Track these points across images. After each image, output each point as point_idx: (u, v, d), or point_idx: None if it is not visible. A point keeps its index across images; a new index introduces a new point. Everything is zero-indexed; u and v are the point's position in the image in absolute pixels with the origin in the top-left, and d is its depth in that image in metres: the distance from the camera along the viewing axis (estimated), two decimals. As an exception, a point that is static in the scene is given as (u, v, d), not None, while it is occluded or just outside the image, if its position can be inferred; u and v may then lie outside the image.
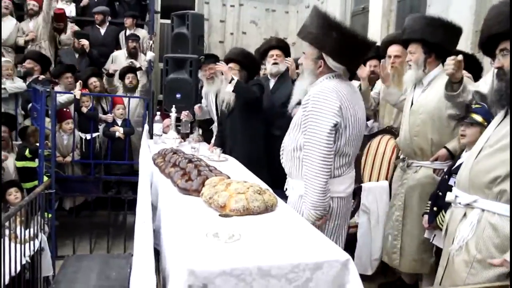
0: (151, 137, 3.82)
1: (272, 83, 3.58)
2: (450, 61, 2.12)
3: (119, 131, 4.57)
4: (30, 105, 4.48)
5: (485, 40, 1.76)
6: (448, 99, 2.32)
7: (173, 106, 3.76)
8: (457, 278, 1.67)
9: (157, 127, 3.70)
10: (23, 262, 3.01)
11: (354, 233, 2.89)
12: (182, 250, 1.40)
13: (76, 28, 5.68)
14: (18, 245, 2.98)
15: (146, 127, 4.00)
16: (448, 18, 2.53)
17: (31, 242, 3.23)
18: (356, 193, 2.85)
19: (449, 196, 1.81)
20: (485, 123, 2.16)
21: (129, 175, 4.62)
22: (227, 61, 3.42)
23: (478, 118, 2.25)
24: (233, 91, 3.14)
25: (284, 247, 1.44)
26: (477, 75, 2.69)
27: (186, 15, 4.91)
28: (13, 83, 4.50)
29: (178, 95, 4.58)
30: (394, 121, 3.16)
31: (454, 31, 2.49)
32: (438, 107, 2.48)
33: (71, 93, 4.40)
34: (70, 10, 5.99)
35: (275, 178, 2.48)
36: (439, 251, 2.22)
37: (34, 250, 3.23)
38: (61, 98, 4.34)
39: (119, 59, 5.33)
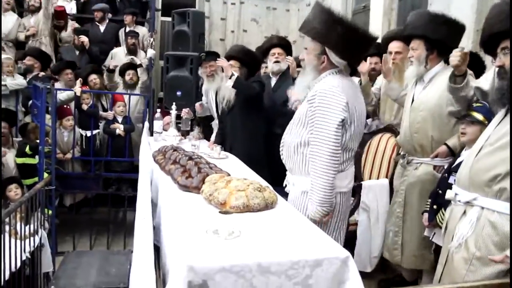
0: (152, 134, 3.83)
1: (273, 81, 3.58)
2: (456, 52, 2.11)
3: (119, 128, 4.57)
4: (31, 102, 4.49)
5: (486, 39, 1.76)
6: (452, 92, 2.30)
7: (174, 103, 3.76)
8: (456, 275, 1.67)
9: (158, 125, 3.70)
10: (23, 258, 3.02)
11: (354, 231, 2.90)
12: (182, 247, 1.40)
13: (77, 25, 5.69)
14: (18, 241, 2.99)
15: (147, 124, 4.01)
16: (449, 16, 2.53)
17: (31, 238, 3.24)
18: (356, 191, 2.85)
19: (449, 194, 1.81)
20: (486, 122, 2.16)
21: (129, 172, 4.62)
22: (228, 58, 3.42)
23: (479, 116, 2.25)
24: (233, 86, 3.14)
25: (284, 244, 1.44)
26: (479, 73, 2.69)
27: (187, 13, 4.91)
28: (13, 80, 4.50)
29: (178, 93, 4.58)
30: (395, 117, 3.16)
31: (457, 28, 2.47)
32: (438, 104, 2.47)
33: (72, 90, 4.40)
34: (71, 7, 5.99)
35: (275, 175, 2.48)
36: (438, 249, 2.22)
37: (34, 246, 3.24)
38: (61, 96, 4.35)
39: (118, 56, 5.33)
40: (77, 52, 5.41)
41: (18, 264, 2.90)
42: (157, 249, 1.86)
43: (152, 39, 5.28)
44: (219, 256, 1.33)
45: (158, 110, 3.91)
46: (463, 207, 1.71)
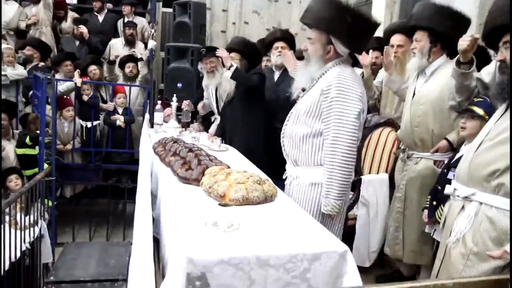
0: (152, 126, 3.82)
1: (276, 75, 3.56)
2: (467, 37, 2.07)
3: (119, 120, 4.57)
4: (31, 92, 4.48)
5: (489, 32, 1.74)
6: (458, 79, 2.25)
7: (174, 95, 3.75)
8: (453, 271, 1.67)
9: (158, 116, 3.70)
10: (23, 248, 3.03)
11: (352, 225, 2.90)
12: (181, 239, 1.40)
13: (76, 16, 5.66)
14: (18, 232, 3.00)
15: (147, 116, 4.00)
16: (452, 10, 2.50)
17: (31, 229, 3.25)
18: (356, 185, 2.85)
19: (448, 189, 1.81)
20: (486, 117, 2.15)
21: (129, 164, 4.62)
22: (229, 50, 3.40)
23: (479, 111, 2.24)
24: (231, 77, 3.13)
25: (283, 237, 1.45)
26: (480, 67, 2.67)
27: (188, 4, 4.87)
28: (14, 70, 4.49)
29: (179, 84, 4.57)
30: (395, 110, 3.16)
31: (462, 21, 2.44)
32: (440, 97, 2.46)
33: (72, 81, 4.39)
34: (71, -3, 5.98)
35: (275, 168, 2.47)
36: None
37: (34, 237, 3.25)
38: (61, 87, 4.34)
39: (116, 47, 5.30)
40: (77, 43, 5.39)
41: (18, 255, 2.91)
42: (156, 241, 1.87)
43: (153, 30, 5.24)
44: (218, 248, 1.33)
45: (159, 102, 3.90)
46: (462, 202, 1.71)
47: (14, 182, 3.67)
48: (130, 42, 5.25)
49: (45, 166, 3.89)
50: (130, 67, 4.82)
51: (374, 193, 2.91)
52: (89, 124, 4.57)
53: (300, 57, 3.08)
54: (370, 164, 3.19)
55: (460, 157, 1.94)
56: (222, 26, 7.13)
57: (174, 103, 3.66)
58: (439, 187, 2.27)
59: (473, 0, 3.40)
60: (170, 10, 5.53)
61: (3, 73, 4.29)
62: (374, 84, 3.18)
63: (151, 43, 5.05)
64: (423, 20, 2.45)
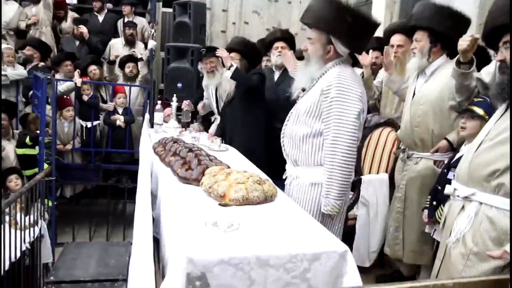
0: (152, 126, 3.82)
1: (277, 75, 3.56)
2: (467, 37, 2.07)
3: (119, 120, 4.57)
4: (31, 92, 4.47)
5: (489, 32, 1.74)
6: (458, 79, 2.25)
7: (174, 95, 3.74)
8: (453, 270, 1.67)
9: (158, 116, 3.70)
10: (23, 248, 3.03)
11: (352, 225, 2.90)
12: (181, 239, 1.40)
13: (76, 15, 5.66)
14: (18, 232, 3.00)
15: (147, 116, 4.00)
16: (452, 10, 2.49)
17: (31, 229, 3.24)
18: (356, 185, 2.85)
19: (448, 189, 1.81)
20: (486, 117, 2.15)
21: (129, 164, 4.62)
22: (229, 50, 3.40)
23: (479, 111, 2.24)
24: (231, 77, 3.13)
25: (283, 237, 1.45)
26: (481, 66, 2.67)
27: (188, 4, 4.87)
28: (14, 70, 4.49)
29: (179, 84, 4.57)
30: (395, 110, 3.15)
31: (462, 22, 2.44)
32: (440, 97, 2.46)
33: (72, 81, 4.39)
34: (72, -3, 5.98)
35: (274, 169, 2.47)
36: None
37: (34, 237, 3.25)
38: (61, 87, 4.33)
39: (116, 47, 5.29)
40: (77, 43, 5.39)
41: (18, 255, 2.91)
42: (156, 241, 1.87)
43: (153, 30, 5.24)
44: (218, 248, 1.33)
45: (159, 102, 3.90)
46: (462, 202, 1.71)
47: (14, 182, 3.67)
48: (130, 42, 5.25)
49: (45, 166, 3.89)
50: (130, 67, 4.82)
51: (374, 193, 2.91)
52: (89, 124, 4.56)
53: (300, 57, 3.08)
54: (370, 164, 3.19)
55: (460, 157, 1.94)
56: (222, 26, 7.13)
57: (174, 103, 3.66)
58: (439, 187, 2.27)
59: (473, 0, 3.40)
60: (170, 10, 5.53)
61: (3, 73, 4.29)
62: (374, 84, 3.18)
63: (151, 43, 5.04)
64: (423, 20, 2.45)
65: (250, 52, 3.47)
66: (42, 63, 4.85)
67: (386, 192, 2.91)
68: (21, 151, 4.06)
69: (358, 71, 3.03)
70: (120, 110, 4.66)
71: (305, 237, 1.47)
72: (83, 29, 5.20)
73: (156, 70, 5.82)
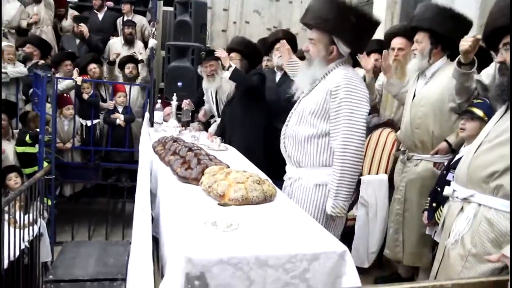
0: (152, 125, 3.82)
1: (278, 76, 3.55)
2: (469, 37, 2.07)
3: (119, 118, 4.56)
4: (31, 90, 4.47)
5: (489, 34, 1.74)
6: (459, 79, 2.24)
7: (174, 94, 3.74)
8: (452, 272, 1.67)
9: (158, 115, 3.70)
10: (22, 247, 3.02)
11: (352, 226, 2.90)
12: (180, 238, 1.40)
13: (76, 13, 5.65)
14: (17, 230, 2.99)
15: (147, 114, 4.00)
16: (453, 11, 2.49)
17: (30, 228, 3.23)
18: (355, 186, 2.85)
19: (447, 190, 1.81)
20: (486, 118, 2.15)
21: (129, 163, 4.62)
22: (229, 50, 3.40)
23: (479, 112, 2.24)
24: (230, 78, 3.13)
25: (282, 237, 1.45)
26: (482, 67, 2.67)
27: (189, 3, 4.88)
28: (14, 67, 4.48)
29: (179, 83, 4.57)
30: (395, 113, 3.16)
31: (464, 24, 2.44)
32: (440, 99, 2.46)
33: (71, 79, 4.38)
34: (73, -5, 5.98)
35: (274, 169, 2.46)
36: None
37: (33, 236, 3.24)
38: (60, 86, 4.32)
39: (115, 46, 5.29)
40: (77, 41, 5.38)
41: (17, 253, 2.90)
42: (155, 241, 1.86)
43: (153, 29, 5.24)
44: (217, 248, 1.33)
45: (159, 101, 3.89)
46: (461, 203, 1.71)
47: (13, 180, 3.66)
48: (129, 41, 5.24)
49: (45, 164, 3.88)
50: (130, 68, 4.81)
51: (373, 194, 2.91)
52: (89, 123, 4.56)
53: (301, 57, 3.08)
54: (369, 164, 3.19)
55: (460, 158, 1.94)
56: (223, 25, 7.13)
57: (174, 102, 3.66)
58: (439, 189, 2.27)
59: (475, 1, 3.40)
60: (171, 8, 5.54)
61: (3, 70, 4.28)
62: (375, 88, 3.18)
63: (152, 42, 5.04)
64: (424, 21, 2.45)
65: (251, 52, 3.47)
66: (42, 61, 4.85)
67: (386, 193, 2.91)
68: (20, 149, 4.05)
69: (359, 71, 3.02)
70: (120, 109, 4.65)
71: (304, 237, 1.47)
72: (84, 28, 5.19)
73: (156, 69, 5.82)
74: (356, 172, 1.93)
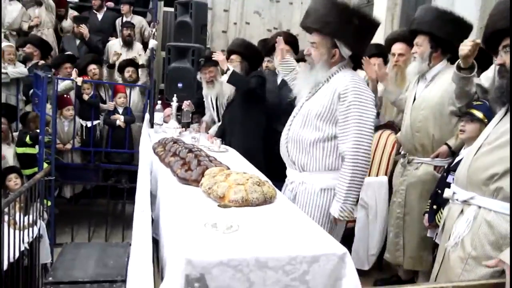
0: (152, 126, 3.82)
1: (279, 78, 3.54)
2: (468, 42, 2.06)
3: (119, 119, 4.57)
4: (32, 91, 4.47)
5: (489, 36, 1.74)
6: (459, 83, 2.24)
7: (175, 95, 3.74)
8: (452, 274, 1.67)
9: (158, 116, 3.70)
10: (22, 248, 3.02)
11: (352, 228, 2.90)
12: (180, 240, 1.40)
13: (75, 13, 5.65)
14: (17, 232, 2.99)
15: (147, 116, 4.00)
16: (453, 13, 2.49)
17: (30, 229, 3.24)
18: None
19: (447, 193, 1.81)
20: (485, 120, 2.15)
21: (129, 164, 4.62)
22: (229, 53, 3.39)
23: (478, 114, 2.24)
24: (227, 81, 3.12)
25: (282, 239, 1.44)
26: (484, 68, 2.67)
27: (189, 4, 4.88)
28: (15, 68, 4.48)
29: (179, 85, 4.57)
30: (395, 118, 3.16)
31: (464, 27, 2.43)
32: (441, 102, 2.46)
33: (70, 80, 4.38)
34: (73, -4, 5.99)
35: (273, 171, 2.45)
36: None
37: (32, 237, 3.24)
38: (59, 86, 4.32)
39: (114, 48, 5.28)
40: (77, 42, 5.38)
41: (17, 255, 2.90)
42: (155, 242, 1.86)
43: (154, 30, 5.24)
44: (217, 250, 1.33)
45: (159, 102, 3.89)
46: (461, 206, 1.71)
47: (13, 181, 3.67)
48: (128, 43, 5.23)
49: (45, 165, 3.88)
50: (129, 71, 4.81)
51: (373, 196, 2.91)
52: (89, 124, 4.57)
53: (302, 58, 3.07)
54: (369, 166, 3.18)
55: (460, 160, 1.94)
56: (223, 26, 7.14)
57: (174, 103, 3.66)
58: (439, 191, 2.27)
59: (475, 3, 3.40)
60: (172, 9, 5.54)
61: (3, 71, 4.29)
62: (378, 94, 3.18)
63: (152, 43, 5.04)
64: (424, 25, 2.45)
65: (251, 54, 3.46)
66: (42, 61, 4.85)
67: (385, 194, 2.91)
68: (20, 150, 4.05)
69: (360, 74, 3.03)
70: (120, 110, 4.66)
71: (304, 239, 1.46)
72: (84, 30, 5.18)
73: (156, 70, 5.83)
74: (364, 175, 1.94)
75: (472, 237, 1.61)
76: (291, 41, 3.50)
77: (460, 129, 2.33)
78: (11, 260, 2.84)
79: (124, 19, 5.51)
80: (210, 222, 1.52)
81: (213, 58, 3.27)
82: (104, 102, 4.74)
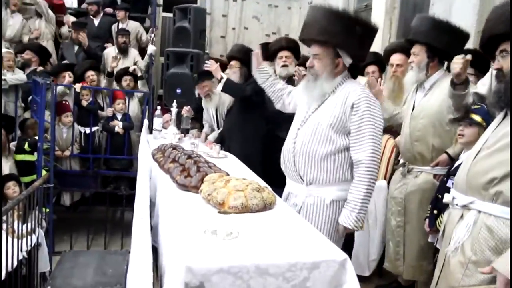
0: (151, 132, 3.81)
1: None
2: (458, 60, 2.08)
3: (118, 126, 4.56)
4: (30, 97, 4.46)
5: (486, 41, 1.75)
6: (454, 99, 2.26)
7: (174, 101, 3.74)
8: (452, 279, 1.67)
9: (157, 122, 3.69)
10: (20, 257, 3.00)
11: (351, 233, 2.88)
12: (179, 247, 1.39)
13: (72, 19, 5.63)
14: (15, 240, 2.97)
15: (146, 122, 3.99)
16: (451, 18, 2.50)
17: (29, 237, 3.21)
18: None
19: (446, 198, 1.80)
20: (484, 124, 2.16)
21: (127, 171, 4.61)
22: (229, 58, 3.39)
23: (477, 118, 2.24)
24: (222, 90, 3.12)
25: (282, 246, 1.44)
26: (483, 71, 2.67)
27: (188, 9, 4.89)
28: (13, 74, 4.48)
29: (178, 90, 4.57)
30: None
31: (460, 37, 2.44)
32: (439, 111, 2.45)
33: (69, 86, 4.38)
34: (72, 1, 5.99)
35: (271, 177, 2.42)
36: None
37: (31, 245, 3.22)
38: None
39: (109, 56, 5.26)
40: (76, 48, 5.37)
41: (15, 264, 2.88)
42: (154, 250, 1.85)
43: (153, 35, 5.25)
44: (217, 257, 1.32)
45: (158, 108, 3.89)
46: (461, 210, 1.70)
47: (12, 189, 3.63)
48: (123, 50, 5.21)
49: (43, 172, 3.87)
50: (127, 80, 4.80)
51: (372, 200, 2.86)
52: (87, 130, 4.57)
53: (303, 63, 3.05)
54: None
55: (459, 164, 1.93)
56: (222, 31, 7.17)
57: (174, 109, 3.65)
58: (439, 196, 2.26)
59: (472, 7, 3.41)
60: (170, 15, 5.56)
61: (2, 77, 4.28)
62: None
63: (151, 48, 5.05)
64: (420, 35, 2.45)
65: (249, 59, 3.46)
66: (40, 68, 4.85)
67: (384, 199, 2.89)
68: (19, 157, 4.03)
69: (361, 80, 3.03)
70: (119, 116, 4.65)
71: (305, 246, 1.46)
72: (83, 39, 5.15)
73: (155, 75, 5.83)
74: (375, 183, 1.98)
75: (472, 242, 1.61)
76: (292, 46, 3.48)
77: (458, 133, 2.33)
78: (9, 269, 2.82)
79: (120, 25, 5.50)
80: (209, 229, 1.51)
81: (205, 68, 3.24)
82: (102, 109, 4.73)
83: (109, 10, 5.85)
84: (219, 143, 3.18)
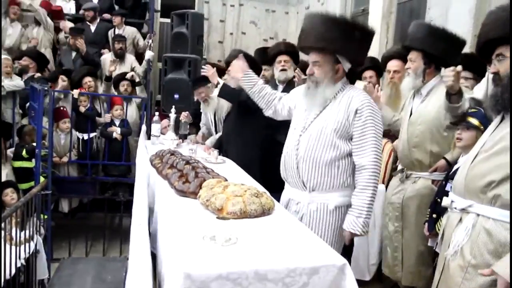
0: (149, 138, 3.81)
1: (280, 89, 3.53)
2: (449, 72, 2.09)
3: (116, 132, 4.55)
4: (28, 104, 4.45)
5: (482, 45, 1.76)
6: (450, 111, 2.28)
7: (173, 107, 3.74)
8: (452, 283, 1.66)
9: (155, 128, 3.68)
10: (18, 264, 2.98)
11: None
12: (178, 253, 1.39)
13: (70, 25, 5.63)
14: (13, 247, 2.95)
15: (144, 127, 3.99)
16: (447, 22, 2.51)
17: (27, 244, 3.19)
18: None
19: (445, 201, 1.81)
20: (481, 127, 2.16)
21: (126, 177, 4.59)
22: (228, 64, 3.39)
23: (474, 121, 2.24)
24: (218, 95, 3.13)
25: (281, 251, 1.44)
26: (481, 74, 2.68)
27: (186, 14, 4.89)
28: (11, 81, 4.47)
29: (176, 96, 4.57)
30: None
31: (456, 44, 2.44)
32: (437, 117, 2.45)
33: (67, 92, 4.37)
34: (70, 7, 5.99)
35: (269, 182, 2.41)
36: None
37: (29, 253, 3.20)
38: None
39: (106, 62, 5.25)
40: (73, 54, 5.37)
41: (13, 271, 2.86)
42: (153, 256, 1.84)
43: (150, 41, 5.25)
44: (216, 263, 1.32)
45: (156, 113, 3.89)
46: (459, 214, 1.70)
47: (9, 196, 3.60)
48: (119, 56, 5.21)
49: (41, 179, 3.85)
50: (124, 85, 4.81)
51: (372, 204, 2.89)
52: (85, 136, 4.55)
53: (303, 68, 3.05)
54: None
55: (458, 168, 1.94)
56: (219, 36, 7.18)
57: (172, 115, 3.65)
58: (438, 199, 2.26)
59: (468, 11, 3.43)
60: (168, 20, 5.56)
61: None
62: None
63: (149, 54, 5.05)
64: (416, 42, 2.46)
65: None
66: (38, 74, 4.84)
67: (383, 203, 2.89)
68: (17, 164, 4.01)
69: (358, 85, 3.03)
70: (117, 122, 4.65)
71: (304, 251, 1.46)
72: (81, 45, 5.15)
73: (153, 81, 5.83)
74: (377, 187, 1.99)
75: (471, 245, 1.61)
76: (291, 50, 3.49)
77: (457, 137, 2.33)
78: (7, 277, 2.80)
79: (116, 31, 5.50)
80: (208, 235, 1.51)
81: (202, 73, 3.27)
82: (100, 116, 4.72)
83: (106, 16, 5.85)
84: (217, 148, 3.18)
